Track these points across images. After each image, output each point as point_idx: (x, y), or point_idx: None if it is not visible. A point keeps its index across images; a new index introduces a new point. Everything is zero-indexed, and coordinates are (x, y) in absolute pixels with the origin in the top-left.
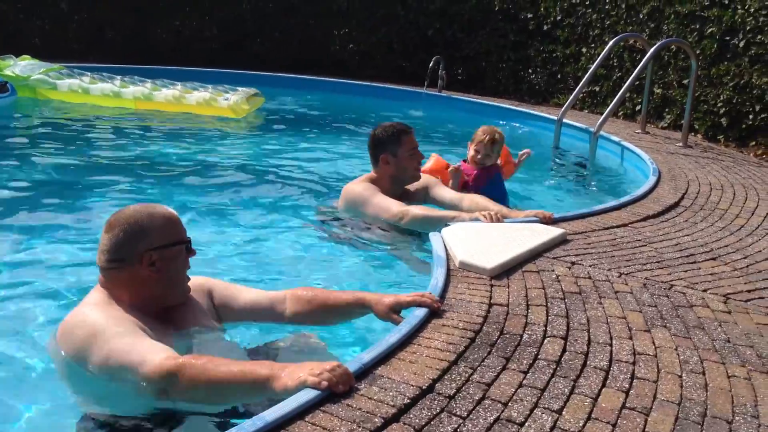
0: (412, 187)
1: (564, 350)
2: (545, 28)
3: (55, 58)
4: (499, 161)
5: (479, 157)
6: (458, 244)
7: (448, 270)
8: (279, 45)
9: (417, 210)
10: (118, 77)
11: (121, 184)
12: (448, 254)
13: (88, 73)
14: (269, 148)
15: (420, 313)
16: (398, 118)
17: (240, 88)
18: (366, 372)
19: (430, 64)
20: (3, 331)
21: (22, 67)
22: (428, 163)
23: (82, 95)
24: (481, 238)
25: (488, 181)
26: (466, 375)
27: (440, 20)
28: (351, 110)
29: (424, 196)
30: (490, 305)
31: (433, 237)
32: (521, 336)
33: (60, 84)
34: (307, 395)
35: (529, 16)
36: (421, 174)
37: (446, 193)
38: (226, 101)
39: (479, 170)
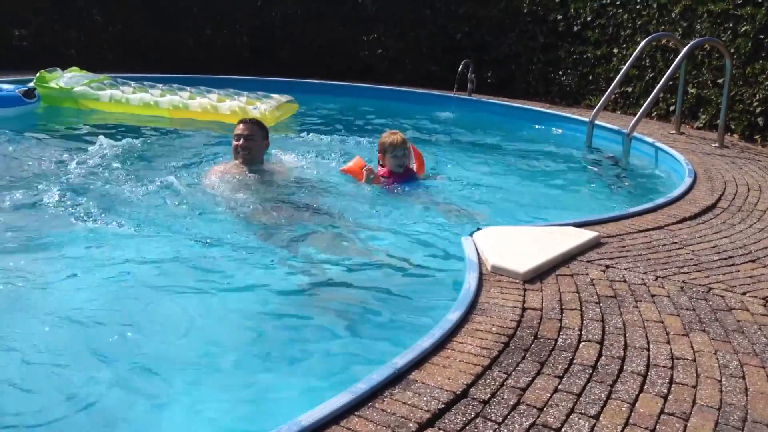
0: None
1: (600, 355)
2: (575, 29)
3: (91, 69)
4: (412, 162)
5: (398, 161)
6: (490, 248)
7: (481, 274)
8: (308, 51)
9: None
10: (159, 86)
11: (155, 187)
12: (480, 258)
13: (131, 83)
14: (299, 155)
15: (453, 317)
16: (427, 122)
17: (274, 96)
18: (400, 377)
19: (459, 68)
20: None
21: (66, 79)
22: (349, 163)
23: (123, 105)
24: (513, 242)
25: (406, 182)
26: (501, 380)
27: (469, 24)
28: (380, 115)
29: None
30: (524, 309)
31: (465, 241)
32: (556, 340)
33: (102, 95)
34: (341, 400)
35: (559, 17)
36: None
37: None
38: (256, 110)
39: (397, 175)
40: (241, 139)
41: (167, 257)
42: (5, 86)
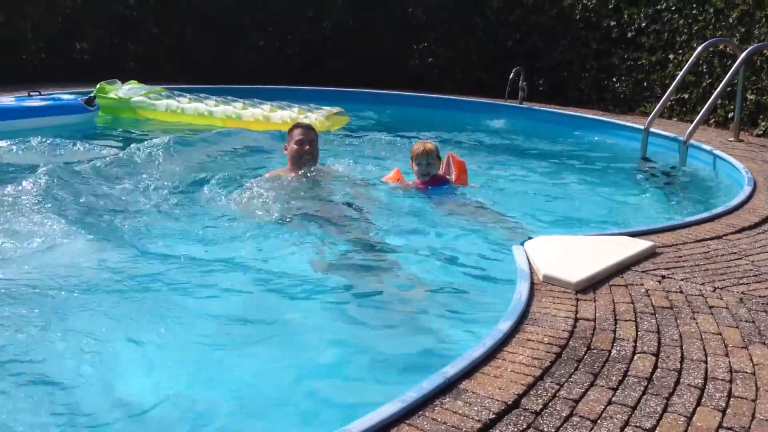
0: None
1: (655, 367)
2: (629, 35)
3: (147, 81)
4: (451, 171)
5: (422, 170)
6: (542, 257)
7: (532, 283)
8: (358, 61)
9: None
10: (213, 97)
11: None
12: (531, 267)
13: (187, 95)
14: (349, 163)
15: (504, 327)
16: (478, 130)
17: (324, 107)
18: (450, 386)
19: (510, 76)
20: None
21: (125, 90)
22: (390, 173)
23: (178, 115)
24: (565, 251)
25: (433, 189)
26: (553, 391)
27: (520, 31)
28: (430, 124)
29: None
30: (576, 320)
31: (516, 250)
32: (610, 351)
33: (158, 104)
34: (392, 408)
35: (612, 23)
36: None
37: None
38: (306, 119)
39: (426, 182)
40: (306, 145)
41: (216, 260)
42: (66, 97)
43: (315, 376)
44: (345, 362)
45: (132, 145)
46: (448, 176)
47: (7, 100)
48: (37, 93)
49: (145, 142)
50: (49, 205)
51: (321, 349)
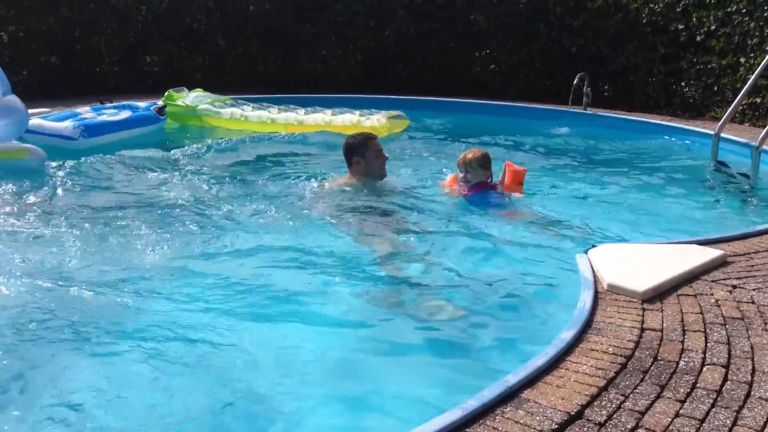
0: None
1: (725, 379)
2: (698, 38)
3: (213, 91)
4: (501, 179)
5: (464, 178)
6: (606, 265)
7: (596, 292)
8: (420, 69)
9: None
10: (276, 106)
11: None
12: (595, 276)
13: (250, 103)
14: (408, 171)
15: (567, 336)
16: (542, 137)
17: (385, 111)
18: (512, 395)
19: (575, 81)
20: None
21: (192, 98)
22: (446, 179)
23: (242, 122)
24: (631, 260)
25: (477, 197)
26: (618, 402)
27: (584, 36)
28: (493, 131)
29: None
30: (643, 330)
31: (580, 258)
32: (677, 363)
33: (223, 112)
34: (452, 417)
35: (680, 27)
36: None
37: None
38: (368, 121)
39: (469, 190)
40: (383, 154)
41: (279, 269)
42: (140, 104)
43: (374, 383)
44: (404, 369)
45: (189, 153)
46: (499, 185)
47: (85, 110)
48: (109, 101)
49: (206, 149)
50: (125, 213)
51: (379, 354)
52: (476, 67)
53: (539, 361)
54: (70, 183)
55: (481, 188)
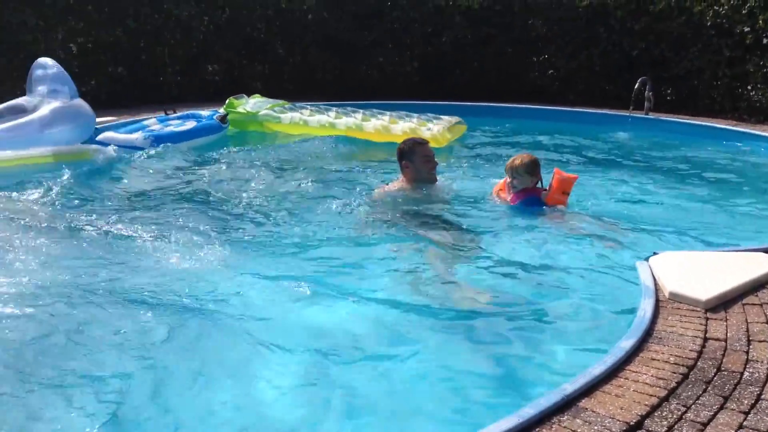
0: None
1: None
2: (765, 41)
3: (273, 98)
4: (543, 186)
5: (512, 182)
6: (668, 273)
7: (657, 301)
8: (477, 75)
9: None
10: (334, 109)
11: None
12: (656, 284)
13: (308, 106)
14: (462, 176)
15: (626, 345)
16: (602, 142)
17: (444, 117)
18: (569, 403)
19: (636, 86)
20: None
21: (252, 104)
22: (498, 184)
23: (302, 127)
24: (693, 268)
25: (521, 203)
26: (679, 413)
27: (646, 39)
28: (551, 137)
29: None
30: (705, 339)
31: (640, 266)
32: (741, 374)
33: (283, 117)
34: (508, 424)
35: (746, 29)
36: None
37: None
38: (429, 131)
39: (515, 194)
40: (433, 161)
41: (331, 271)
42: (203, 112)
43: (430, 387)
44: (461, 375)
45: (244, 160)
46: (544, 191)
47: (152, 122)
48: (172, 111)
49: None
50: (187, 217)
51: (436, 359)
52: (534, 73)
53: (597, 369)
54: (134, 181)
55: (526, 194)
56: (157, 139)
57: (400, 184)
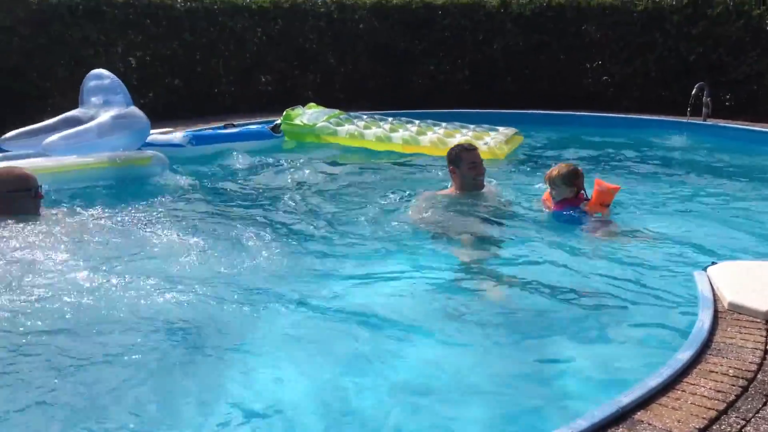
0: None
1: None
2: None
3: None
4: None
5: (551, 192)
6: (727, 283)
7: (716, 312)
8: (529, 82)
9: None
10: (389, 119)
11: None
12: (714, 294)
13: (364, 117)
14: (512, 184)
15: (684, 356)
16: (658, 150)
17: (501, 129)
18: (624, 416)
19: (693, 91)
20: None
21: (308, 115)
22: (545, 194)
23: (358, 140)
24: (755, 278)
25: (561, 213)
26: (738, 426)
27: (703, 44)
28: (605, 144)
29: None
30: (766, 351)
31: (698, 276)
32: None
33: (339, 130)
34: None
35: None
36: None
37: None
38: (486, 144)
39: (555, 204)
40: (479, 167)
41: (384, 279)
42: (252, 126)
43: (478, 398)
44: (508, 384)
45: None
46: (584, 201)
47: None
48: (231, 125)
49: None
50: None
51: (484, 369)
52: (587, 79)
53: (653, 381)
54: (190, 188)
55: (565, 205)
56: (195, 138)
57: (447, 190)
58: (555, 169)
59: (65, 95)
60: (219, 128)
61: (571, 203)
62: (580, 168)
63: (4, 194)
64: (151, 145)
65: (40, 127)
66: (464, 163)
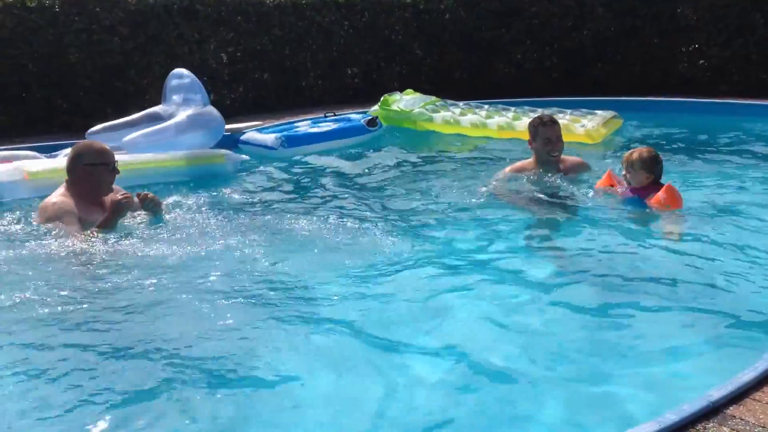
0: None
1: None
2: None
3: None
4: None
5: (626, 176)
6: None
7: None
8: (620, 68)
9: None
10: (485, 107)
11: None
12: None
13: (460, 104)
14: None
15: None
16: (756, 138)
17: (599, 112)
18: (715, 410)
19: None
20: None
21: (405, 101)
22: (601, 179)
23: (454, 126)
24: None
25: (629, 200)
26: None
27: None
28: (701, 131)
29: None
30: None
31: None
32: None
33: (435, 116)
34: (647, 429)
35: None
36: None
37: None
38: (582, 127)
39: (626, 189)
40: (554, 143)
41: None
42: (354, 116)
43: (563, 389)
44: (596, 376)
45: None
46: (649, 196)
47: (304, 123)
48: (332, 114)
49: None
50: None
51: (573, 358)
52: (683, 64)
53: (747, 376)
54: (268, 186)
55: (633, 193)
56: (288, 140)
57: (526, 163)
58: (636, 152)
59: (161, 92)
60: (315, 120)
61: (639, 192)
62: (660, 155)
63: (82, 166)
64: (246, 143)
65: (123, 122)
66: (540, 138)
